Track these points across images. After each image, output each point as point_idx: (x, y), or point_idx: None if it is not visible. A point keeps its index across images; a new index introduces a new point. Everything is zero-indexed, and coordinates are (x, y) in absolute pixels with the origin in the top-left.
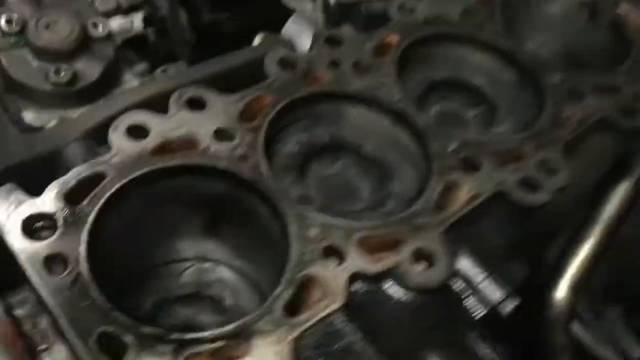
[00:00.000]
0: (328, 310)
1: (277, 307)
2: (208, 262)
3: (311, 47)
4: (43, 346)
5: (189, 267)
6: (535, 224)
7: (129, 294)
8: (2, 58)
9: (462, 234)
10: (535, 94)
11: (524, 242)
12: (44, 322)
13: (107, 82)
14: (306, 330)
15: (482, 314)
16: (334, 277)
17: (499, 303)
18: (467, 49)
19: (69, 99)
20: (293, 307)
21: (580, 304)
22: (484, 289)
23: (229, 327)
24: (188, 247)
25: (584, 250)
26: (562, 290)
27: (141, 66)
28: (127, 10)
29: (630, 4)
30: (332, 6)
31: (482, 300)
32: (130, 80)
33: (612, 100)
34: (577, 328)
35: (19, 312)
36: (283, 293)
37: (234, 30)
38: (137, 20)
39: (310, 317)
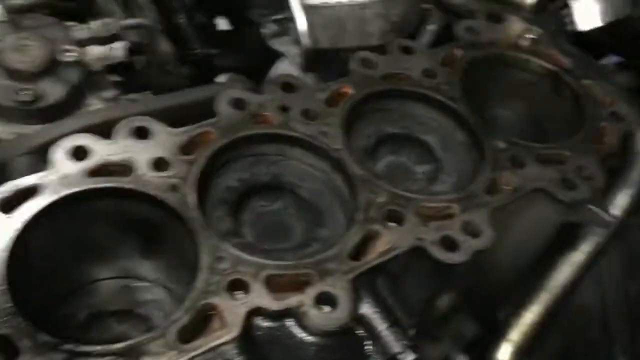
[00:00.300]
0: (221, 340)
1: (172, 331)
2: (143, 282)
3: (265, 91)
4: None
5: (124, 285)
6: (480, 283)
7: (65, 303)
8: None
9: (383, 284)
10: (479, 157)
11: (469, 301)
12: None
13: (71, 104)
14: (195, 357)
15: None
16: (233, 309)
17: (397, 354)
18: (421, 107)
19: (30, 116)
20: (188, 334)
21: None
22: (384, 338)
23: (120, 345)
24: (124, 265)
25: (530, 317)
26: (504, 354)
27: (110, 92)
28: (105, 41)
29: (593, 80)
30: (307, 51)
31: (382, 349)
32: (95, 105)
33: (554, 171)
34: None
35: None
36: (180, 319)
37: (228, 67)
38: (117, 49)
39: (202, 344)
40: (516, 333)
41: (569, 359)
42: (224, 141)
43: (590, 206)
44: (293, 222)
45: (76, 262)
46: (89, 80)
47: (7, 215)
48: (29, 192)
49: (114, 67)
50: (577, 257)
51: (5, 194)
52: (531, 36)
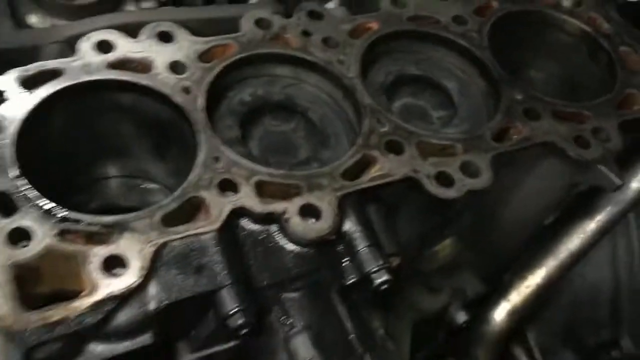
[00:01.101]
0: (202, 230)
1: (158, 214)
2: (154, 184)
3: (292, 15)
4: None
5: (135, 185)
6: (487, 240)
7: (79, 193)
8: None
9: (374, 211)
10: (495, 105)
11: (475, 258)
12: None
13: (107, 6)
14: (174, 240)
15: (353, 280)
16: (219, 204)
17: (371, 272)
18: (444, 52)
19: (68, 12)
20: (173, 219)
21: (530, 336)
22: (362, 256)
23: (107, 218)
24: (137, 165)
25: (533, 280)
26: (501, 312)
27: (149, 3)
28: None
29: (632, 48)
30: None
31: (358, 266)
32: (130, 8)
33: (569, 128)
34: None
35: None
36: (168, 205)
37: None
38: None
39: (183, 230)
40: (516, 294)
41: (573, 334)
42: (242, 54)
43: (600, 167)
44: (299, 143)
45: (93, 154)
46: None
47: (29, 91)
48: (52, 74)
49: None
50: (589, 226)
51: (30, 72)
52: None
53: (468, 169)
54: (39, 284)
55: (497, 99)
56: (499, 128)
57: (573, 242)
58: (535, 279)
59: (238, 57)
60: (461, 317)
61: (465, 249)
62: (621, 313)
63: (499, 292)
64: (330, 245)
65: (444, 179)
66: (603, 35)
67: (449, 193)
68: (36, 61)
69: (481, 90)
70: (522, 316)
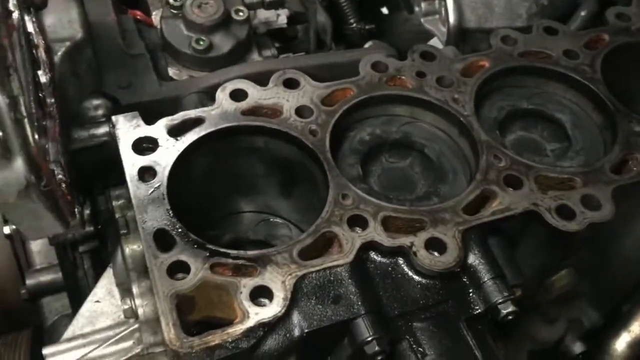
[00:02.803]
0: (336, 263)
1: (296, 248)
2: (280, 219)
3: (407, 58)
4: (124, 231)
5: (264, 219)
6: (606, 271)
7: (213, 227)
8: (163, 24)
9: (495, 244)
10: (612, 138)
11: (593, 289)
12: (129, 214)
13: (237, 57)
14: (312, 273)
15: (480, 311)
16: (350, 239)
17: (498, 304)
18: (557, 85)
19: (202, 63)
20: (309, 253)
21: None
22: (487, 288)
23: (252, 252)
24: (265, 202)
25: None
26: (622, 343)
27: (270, 51)
28: (270, 5)
29: None
30: (453, 29)
31: (484, 298)
32: (254, 56)
33: None
34: None
35: (115, 203)
36: (304, 240)
37: None
38: (281, 16)
39: (319, 263)
40: (637, 325)
41: None
42: (361, 97)
43: None
44: (417, 178)
45: (227, 192)
46: (254, 39)
47: (176, 139)
48: (195, 122)
49: (275, 32)
50: None
51: (176, 121)
52: None
53: (589, 202)
54: (193, 312)
55: (614, 131)
56: (617, 160)
57: None
58: None
59: (357, 99)
60: (578, 347)
61: (582, 279)
62: None
63: (620, 322)
64: (455, 277)
65: (565, 212)
66: None
67: (571, 226)
68: (178, 111)
69: (596, 122)
70: None
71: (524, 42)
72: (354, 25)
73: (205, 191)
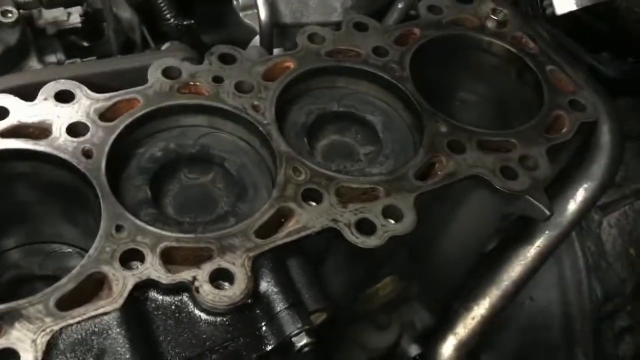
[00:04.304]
0: (101, 310)
1: (53, 298)
2: (70, 248)
3: (204, 61)
4: None
5: (52, 251)
6: (431, 273)
7: None
8: None
9: (295, 265)
10: (420, 140)
11: (423, 291)
12: None
13: (7, 65)
14: (71, 325)
15: (273, 346)
16: (122, 279)
17: (291, 336)
18: (366, 85)
19: None
20: (70, 301)
21: None
22: (281, 319)
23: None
24: (49, 230)
25: (477, 311)
26: (448, 347)
27: (55, 57)
28: (52, 4)
29: (559, 66)
30: (266, 26)
31: (277, 330)
32: (35, 67)
33: (495, 159)
34: None
35: None
36: (65, 285)
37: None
38: (74, 14)
39: (81, 313)
40: (463, 327)
41: (527, 358)
42: (148, 109)
43: (528, 197)
44: (219, 195)
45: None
46: (38, 43)
47: None
48: None
49: (74, 32)
50: (530, 252)
51: None
52: (498, 18)
53: (391, 213)
54: None
55: (421, 132)
56: (422, 164)
57: (515, 269)
58: (480, 310)
59: (143, 112)
60: (413, 350)
61: (407, 283)
62: (574, 333)
63: (447, 324)
64: (247, 310)
65: (365, 226)
66: (529, 54)
67: (371, 241)
68: None
69: (407, 123)
70: (470, 349)
71: (333, 40)
72: (171, 20)
73: None
